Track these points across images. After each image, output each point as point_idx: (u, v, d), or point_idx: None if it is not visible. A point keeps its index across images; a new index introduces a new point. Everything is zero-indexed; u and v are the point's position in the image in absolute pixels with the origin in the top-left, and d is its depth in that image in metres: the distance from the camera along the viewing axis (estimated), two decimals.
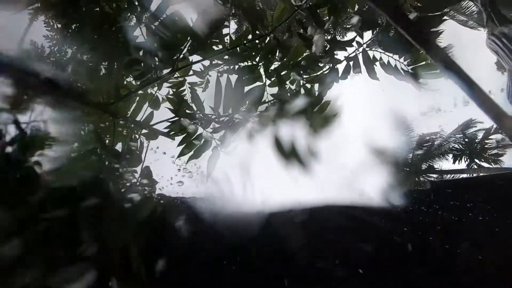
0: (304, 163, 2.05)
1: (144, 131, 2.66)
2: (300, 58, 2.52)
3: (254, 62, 2.49)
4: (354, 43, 2.49)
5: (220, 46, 2.50)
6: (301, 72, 2.55)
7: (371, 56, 2.50)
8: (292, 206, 1.68)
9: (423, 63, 2.37)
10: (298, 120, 2.20)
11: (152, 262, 1.37)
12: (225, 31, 2.53)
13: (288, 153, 2.07)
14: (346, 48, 2.52)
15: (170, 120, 2.41)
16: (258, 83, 2.53)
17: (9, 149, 1.33)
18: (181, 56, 2.17)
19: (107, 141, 2.51)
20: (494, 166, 8.53)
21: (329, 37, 2.49)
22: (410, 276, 1.45)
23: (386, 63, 2.45)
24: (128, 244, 1.31)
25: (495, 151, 8.55)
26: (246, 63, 2.49)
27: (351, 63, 2.57)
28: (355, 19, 2.30)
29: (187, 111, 2.41)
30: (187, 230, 1.56)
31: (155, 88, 2.78)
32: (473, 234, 1.64)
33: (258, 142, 2.28)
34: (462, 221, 1.70)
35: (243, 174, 2.12)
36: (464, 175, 8.66)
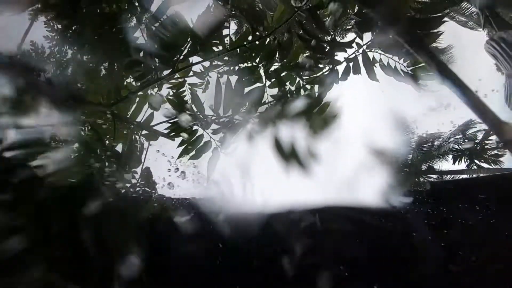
0: (304, 164, 2.06)
1: (144, 132, 2.67)
2: (300, 59, 2.53)
3: (254, 63, 2.49)
4: (354, 45, 2.49)
5: (220, 47, 2.50)
6: (301, 73, 2.55)
7: (371, 58, 2.50)
8: (292, 207, 1.68)
9: (423, 64, 2.37)
10: (298, 121, 2.21)
11: (152, 262, 1.37)
12: (225, 32, 2.53)
13: (288, 154, 2.08)
14: (346, 49, 2.53)
15: (170, 121, 2.41)
16: (258, 84, 2.54)
17: (11, 153, 1.33)
18: (181, 57, 2.17)
19: (107, 142, 2.51)
20: (494, 166, 8.53)
21: (329, 38, 2.50)
22: (410, 276, 1.45)
23: (385, 64, 2.45)
24: (128, 244, 1.31)
25: (495, 152, 8.55)
26: (246, 64, 2.50)
27: (351, 64, 2.57)
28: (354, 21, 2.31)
29: (187, 112, 2.41)
30: (186, 230, 1.56)
31: (155, 89, 2.78)
32: (473, 234, 1.64)
33: (258, 143, 2.28)
34: (462, 222, 1.70)
35: (243, 175, 2.13)
36: (464, 176, 8.67)
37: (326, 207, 1.71)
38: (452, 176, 8.50)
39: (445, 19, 2.02)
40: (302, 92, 2.63)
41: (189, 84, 2.94)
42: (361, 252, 1.52)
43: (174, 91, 2.82)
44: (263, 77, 2.54)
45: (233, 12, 2.55)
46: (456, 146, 8.71)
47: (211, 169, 2.40)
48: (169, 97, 2.75)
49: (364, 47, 2.50)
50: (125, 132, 2.66)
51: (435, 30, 2.01)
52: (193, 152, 2.44)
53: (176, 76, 2.78)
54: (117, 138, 2.53)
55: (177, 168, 2.48)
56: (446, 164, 8.74)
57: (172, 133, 2.42)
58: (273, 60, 2.49)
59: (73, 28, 2.28)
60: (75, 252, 1.20)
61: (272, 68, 2.54)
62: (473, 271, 1.47)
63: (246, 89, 2.48)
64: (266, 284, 1.44)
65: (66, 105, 1.86)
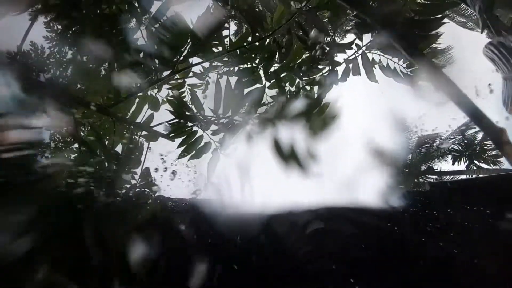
0: (304, 165, 2.06)
1: (144, 132, 2.67)
2: (299, 60, 2.53)
3: (253, 64, 2.50)
4: (354, 46, 2.50)
5: (220, 48, 2.50)
6: (301, 74, 2.56)
7: (371, 59, 2.51)
8: (292, 208, 1.68)
9: None
10: (298, 122, 2.21)
11: (152, 262, 1.37)
12: (225, 33, 2.54)
13: (288, 155, 2.08)
14: (346, 50, 2.53)
15: (170, 122, 2.41)
16: (257, 85, 2.54)
17: (11, 154, 1.33)
18: (181, 58, 2.18)
19: (107, 142, 2.52)
20: (493, 167, 8.54)
21: (328, 39, 2.50)
22: (409, 277, 1.45)
23: (385, 65, 2.46)
24: (128, 244, 1.32)
25: (494, 153, 8.55)
26: (245, 65, 2.50)
27: (351, 65, 2.58)
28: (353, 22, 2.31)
29: (187, 113, 2.41)
30: (186, 231, 1.56)
31: (155, 90, 2.79)
32: (472, 235, 1.65)
33: (258, 144, 2.29)
34: (462, 222, 1.71)
35: (243, 176, 2.13)
36: (464, 176, 8.68)
37: (326, 208, 1.72)
38: (452, 176, 8.51)
39: (445, 20, 2.02)
40: (301, 93, 2.63)
41: (188, 84, 2.95)
42: (361, 252, 1.52)
43: (174, 92, 2.83)
44: (263, 78, 2.54)
45: (233, 13, 2.55)
46: (455, 147, 8.73)
47: (211, 171, 2.40)
48: (169, 98, 2.76)
49: (364, 48, 2.50)
50: (125, 132, 2.67)
51: (434, 32, 2.01)
52: (193, 152, 2.44)
53: (176, 77, 2.79)
54: (117, 138, 2.53)
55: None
56: (445, 165, 8.75)
57: (172, 134, 2.43)
58: (272, 61, 2.50)
59: (73, 28, 2.29)
60: (76, 252, 1.21)
61: (272, 69, 2.55)
62: (473, 272, 1.47)
63: (246, 90, 2.48)
64: (266, 285, 1.44)
65: (66, 106, 1.87)
